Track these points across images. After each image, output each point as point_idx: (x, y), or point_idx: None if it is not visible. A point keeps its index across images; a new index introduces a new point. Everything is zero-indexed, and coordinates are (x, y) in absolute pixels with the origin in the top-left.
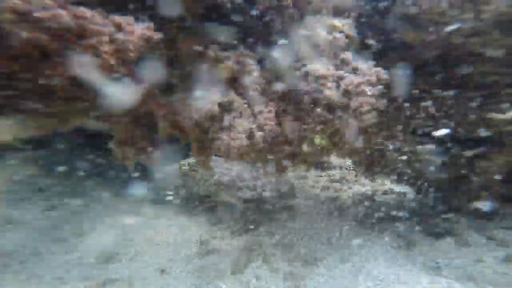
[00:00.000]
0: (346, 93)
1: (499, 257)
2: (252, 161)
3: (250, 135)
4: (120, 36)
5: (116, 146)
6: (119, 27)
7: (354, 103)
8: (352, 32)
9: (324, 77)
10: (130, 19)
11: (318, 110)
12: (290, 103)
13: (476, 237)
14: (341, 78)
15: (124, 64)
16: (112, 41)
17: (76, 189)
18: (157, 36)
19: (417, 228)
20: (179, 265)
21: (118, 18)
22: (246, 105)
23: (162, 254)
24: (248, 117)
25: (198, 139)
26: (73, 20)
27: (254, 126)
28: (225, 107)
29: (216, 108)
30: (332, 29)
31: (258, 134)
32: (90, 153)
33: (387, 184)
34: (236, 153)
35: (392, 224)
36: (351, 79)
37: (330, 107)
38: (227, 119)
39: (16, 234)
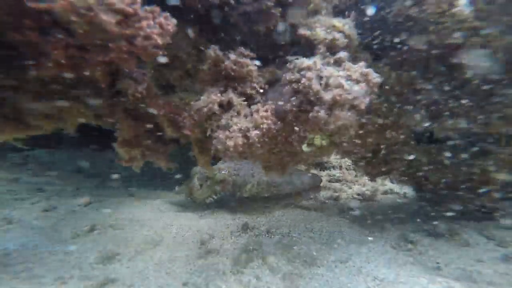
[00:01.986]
0: (325, 85)
1: (498, 257)
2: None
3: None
4: (161, 20)
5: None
6: (153, 14)
7: (327, 96)
8: (352, 32)
9: (308, 68)
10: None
11: (293, 99)
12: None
13: (476, 237)
14: (321, 70)
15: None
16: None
17: (77, 189)
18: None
19: (417, 228)
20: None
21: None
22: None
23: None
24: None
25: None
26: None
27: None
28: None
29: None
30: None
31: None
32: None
33: (387, 184)
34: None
35: (391, 224)
36: (330, 71)
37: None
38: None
39: (16, 234)
